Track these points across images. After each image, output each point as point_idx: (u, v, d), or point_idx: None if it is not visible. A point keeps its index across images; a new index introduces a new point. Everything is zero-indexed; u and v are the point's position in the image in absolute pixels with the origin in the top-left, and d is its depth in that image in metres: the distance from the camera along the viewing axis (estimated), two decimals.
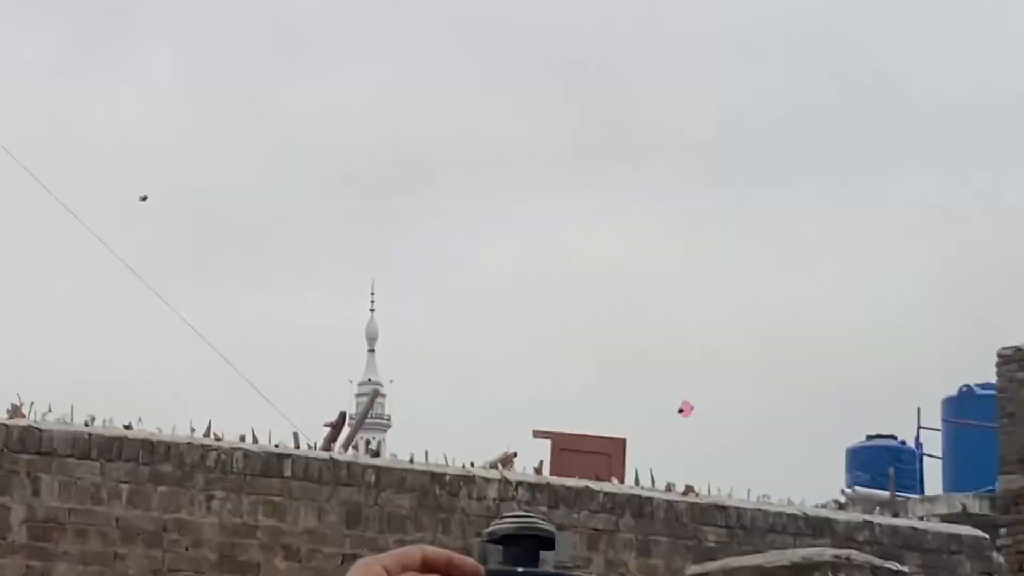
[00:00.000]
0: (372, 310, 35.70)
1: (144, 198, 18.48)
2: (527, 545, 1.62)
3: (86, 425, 6.76)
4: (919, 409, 16.52)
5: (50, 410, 6.59)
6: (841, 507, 9.70)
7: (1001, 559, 8.68)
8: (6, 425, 6.50)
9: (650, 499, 7.16)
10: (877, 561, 5.20)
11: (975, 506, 13.37)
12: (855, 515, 8.05)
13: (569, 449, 7.74)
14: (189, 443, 6.68)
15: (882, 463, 15.33)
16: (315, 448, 7.04)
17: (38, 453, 6.52)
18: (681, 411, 16.20)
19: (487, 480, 6.93)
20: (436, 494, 6.83)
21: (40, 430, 6.66)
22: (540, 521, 1.85)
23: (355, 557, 6.70)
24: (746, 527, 7.19)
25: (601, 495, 7.05)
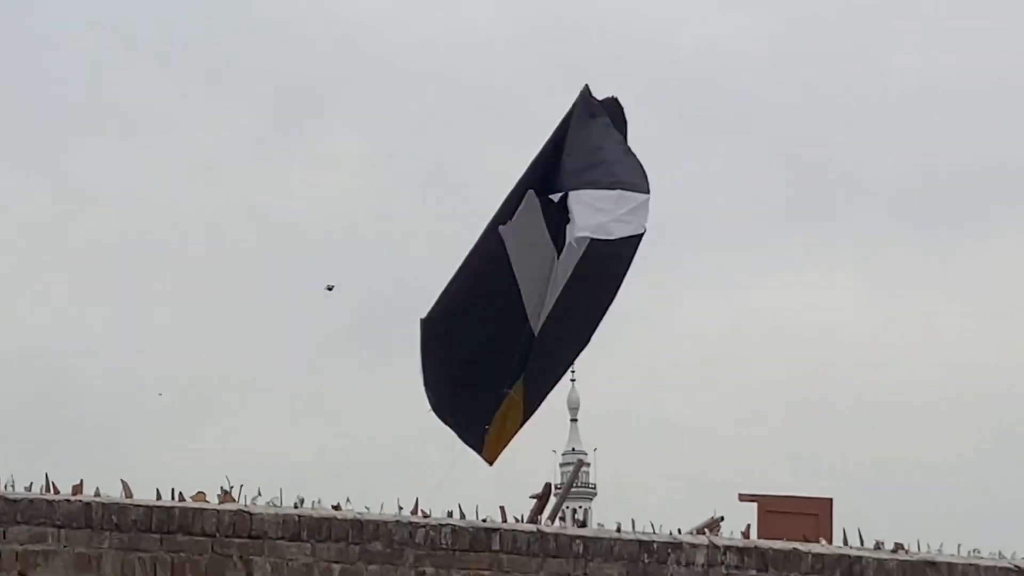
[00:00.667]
0: (573, 379, 34.19)
1: (331, 288, 18.76)
2: None
3: (295, 507, 6.76)
4: None
5: (260, 494, 6.61)
6: None
7: None
8: (217, 510, 6.51)
9: (859, 558, 6.95)
10: None
11: None
12: None
13: (775, 511, 7.58)
14: (397, 521, 6.65)
15: None
16: (522, 520, 6.96)
17: (250, 537, 6.52)
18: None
19: (694, 546, 6.78)
20: (645, 562, 6.70)
21: (251, 514, 6.67)
22: None
23: None
24: None
25: (810, 556, 6.85)
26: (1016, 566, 7.15)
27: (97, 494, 6.49)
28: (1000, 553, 7.23)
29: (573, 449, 24.68)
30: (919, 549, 7.07)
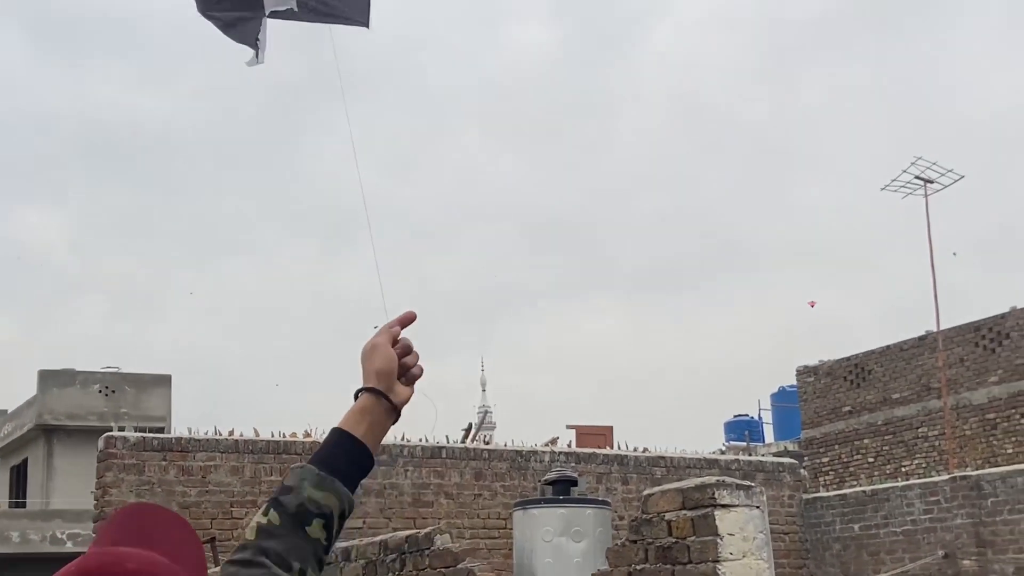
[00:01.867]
0: (483, 369, 41.00)
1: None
2: (563, 484, 9.04)
3: None
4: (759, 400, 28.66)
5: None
6: (723, 453, 16.47)
7: (804, 472, 15.55)
8: (304, 442, 12.70)
9: (624, 456, 13.76)
10: (740, 481, 6.58)
11: (791, 447, 23.80)
12: (730, 457, 14.79)
13: (584, 433, 14.48)
14: (394, 443, 13.30)
15: (741, 429, 26.02)
16: (458, 442, 13.42)
17: None
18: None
19: (544, 452, 13.45)
20: (519, 461, 13.28)
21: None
22: (569, 472, 9.85)
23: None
24: (674, 467, 13.78)
25: (600, 455, 13.62)
26: (702, 457, 13.99)
27: (240, 434, 12.56)
28: (696, 451, 14.13)
29: (484, 405, 32.90)
30: (655, 450, 13.87)
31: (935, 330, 19.49)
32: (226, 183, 70.43)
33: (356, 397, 1.53)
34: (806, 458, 21.48)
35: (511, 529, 9.94)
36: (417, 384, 1.57)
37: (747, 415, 28.88)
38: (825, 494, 15.71)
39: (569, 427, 14.87)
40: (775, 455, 19.78)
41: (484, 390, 40.32)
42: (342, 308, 63.83)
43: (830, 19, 68.19)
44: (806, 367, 22.75)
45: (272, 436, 12.61)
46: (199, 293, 68.69)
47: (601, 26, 73.56)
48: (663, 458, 13.91)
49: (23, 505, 26.43)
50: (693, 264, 74.31)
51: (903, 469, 20.46)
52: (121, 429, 13.00)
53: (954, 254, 19.38)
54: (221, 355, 62.06)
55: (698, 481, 6.44)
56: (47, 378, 25.95)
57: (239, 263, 70.16)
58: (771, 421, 28.62)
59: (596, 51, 75.32)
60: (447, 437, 13.31)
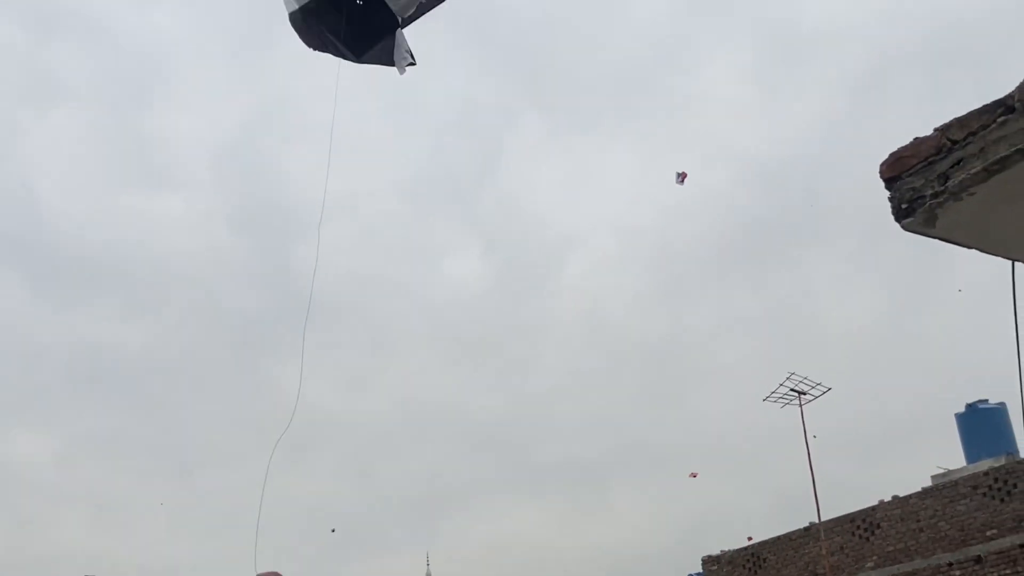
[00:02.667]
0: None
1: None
2: None
3: None
4: None
5: None
6: None
7: None
8: None
9: None
10: None
11: None
12: None
13: None
14: None
15: None
16: None
17: None
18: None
19: None
20: None
21: None
22: None
23: None
24: None
25: None
26: None
27: None
28: None
29: None
30: None
31: (817, 521, 22.50)
32: (199, 403, 73.91)
33: None
34: None
35: None
36: None
37: None
38: None
39: None
40: None
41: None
42: (304, 515, 65.13)
43: (718, 252, 75.28)
44: (710, 556, 25.57)
45: None
46: (173, 504, 69.88)
47: (525, 260, 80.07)
48: None
49: None
50: (608, 462, 77.67)
51: None
52: None
53: (814, 436, 22.48)
54: (195, 562, 62.72)
55: None
56: None
57: (213, 475, 71.79)
58: None
59: (522, 280, 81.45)
60: None
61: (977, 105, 4.26)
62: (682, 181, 26.43)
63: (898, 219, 4.32)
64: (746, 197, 74.34)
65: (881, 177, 4.40)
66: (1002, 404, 23.44)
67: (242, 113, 76.97)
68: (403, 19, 9.22)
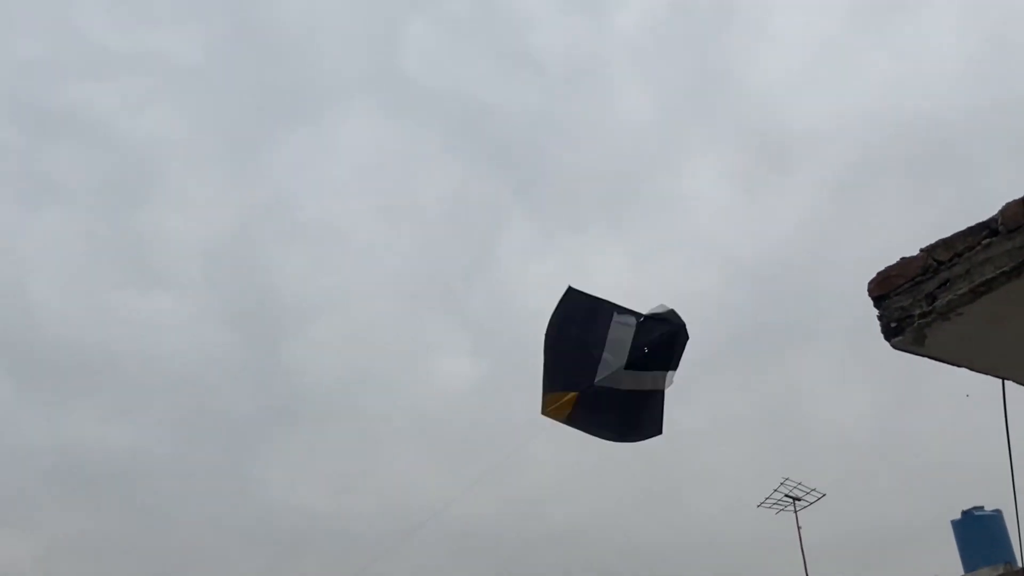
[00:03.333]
0: None
1: None
2: None
3: None
4: None
5: None
6: None
7: None
8: None
9: None
10: None
11: None
12: None
13: None
14: None
15: None
16: None
17: None
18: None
19: None
20: None
21: None
22: None
23: None
24: None
25: None
26: None
27: None
28: None
29: None
30: None
31: None
32: (184, 505, 73.04)
33: None
34: None
35: None
36: None
37: None
38: None
39: None
40: None
41: None
42: None
43: (710, 352, 75.25)
44: None
45: None
46: None
47: (515, 358, 79.90)
48: None
49: None
50: (601, 565, 76.26)
51: None
52: None
53: (799, 528, 22.06)
54: None
55: None
56: None
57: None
58: None
59: (512, 377, 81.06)
60: None
61: (960, 212, 4.32)
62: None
63: (887, 338, 4.33)
64: (735, 297, 74.74)
65: (869, 295, 4.42)
66: (998, 511, 23.19)
67: (235, 213, 77.59)
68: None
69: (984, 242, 4.00)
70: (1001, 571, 20.42)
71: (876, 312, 4.39)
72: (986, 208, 4.11)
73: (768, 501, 22.37)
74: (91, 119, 76.64)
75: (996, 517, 23.32)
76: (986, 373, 4.73)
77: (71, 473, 71.26)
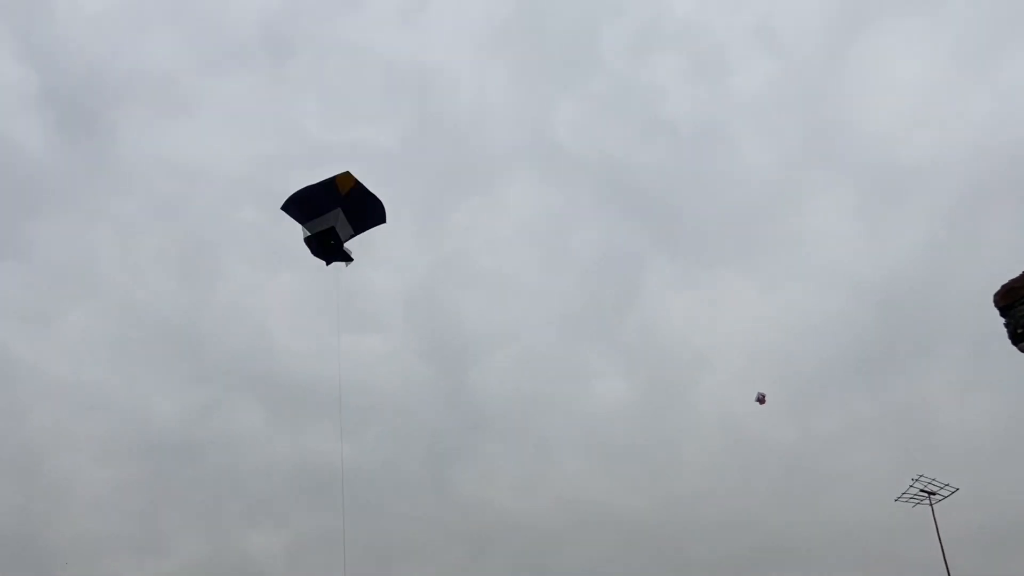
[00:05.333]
0: None
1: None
2: None
3: None
4: None
5: None
6: None
7: None
8: None
9: None
10: None
11: None
12: None
13: None
14: None
15: None
16: None
17: None
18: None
19: None
20: None
21: None
22: None
23: None
24: None
25: None
26: None
27: None
28: None
29: None
30: None
31: None
32: (395, 505, 76.40)
33: None
34: None
35: None
36: None
37: None
38: None
39: None
40: None
41: None
42: None
43: (839, 366, 72.08)
44: None
45: None
46: None
47: (664, 379, 79.19)
48: None
49: None
50: (751, 557, 73.95)
51: None
52: None
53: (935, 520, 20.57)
54: None
55: None
56: None
57: (407, 568, 73.55)
58: None
59: (662, 396, 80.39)
60: None
61: None
62: (762, 401, 25.51)
63: (1015, 343, 4.29)
64: (862, 317, 71.52)
65: (995, 305, 4.39)
66: None
67: (425, 267, 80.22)
68: (345, 242, 15.89)
69: None
70: None
71: (1002, 321, 4.34)
72: None
73: (904, 496, 21.23)
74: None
75: None
76: None
77: (309, 479, 75.25)
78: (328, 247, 16.20)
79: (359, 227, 16.02)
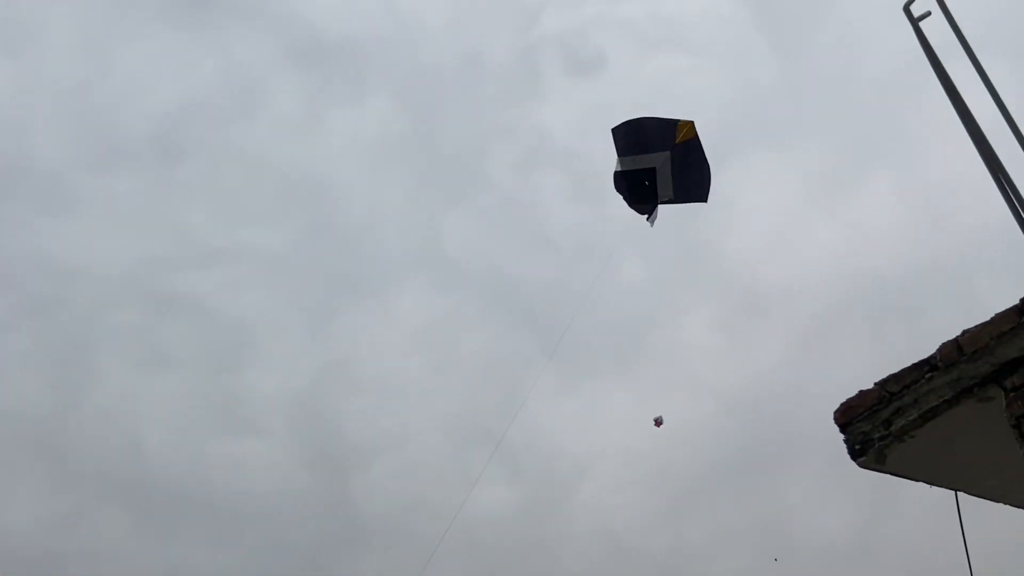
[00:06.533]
0: None
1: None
2: None
3: None
4: None
5: None
6: None
7: None
8: None
9: None
10: None
11: None
12: None
13: None
14: None
15: None
16: None
17: None
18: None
19: None
20: None
21: None
22: None
23: None
24: None
25: None
26: None
27: None
28: None
29: None
30: None
31: None
32: None
33: None
34: None
35: None
36: None
37: None
38: None
39: None
40: None
41: None
42: None
43: (708, 472, 73.45)
44: None
45: None
46: None
47: (546, 486, 78.62)
48: None
49: None
50: None
51: None
52: None
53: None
54: None
55: None
56: None
57: None
58: None
59: (543, 503, 79.43)
60: None
61: (909, 350, 4.27)
62: (659, 424, 25.94)
63: (853, 458, 4.24)
64: (728, 425, 73.62)
65: (835, 423, 4.35)
66: None
67: (310, 372, 78.34)
68: (661, 202, 13.35)
69: (927, 376, 3.96)
70: None
71: (842, 437, 4.31)
72: (928, 347, 4.08)
73: None
74: (196, 301, 78.62)
75: None
76: (941, 486, 4.57)
77: None
78: (641, 190, 13.39)
79: (678, 191, 13.42)
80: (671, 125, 12.90)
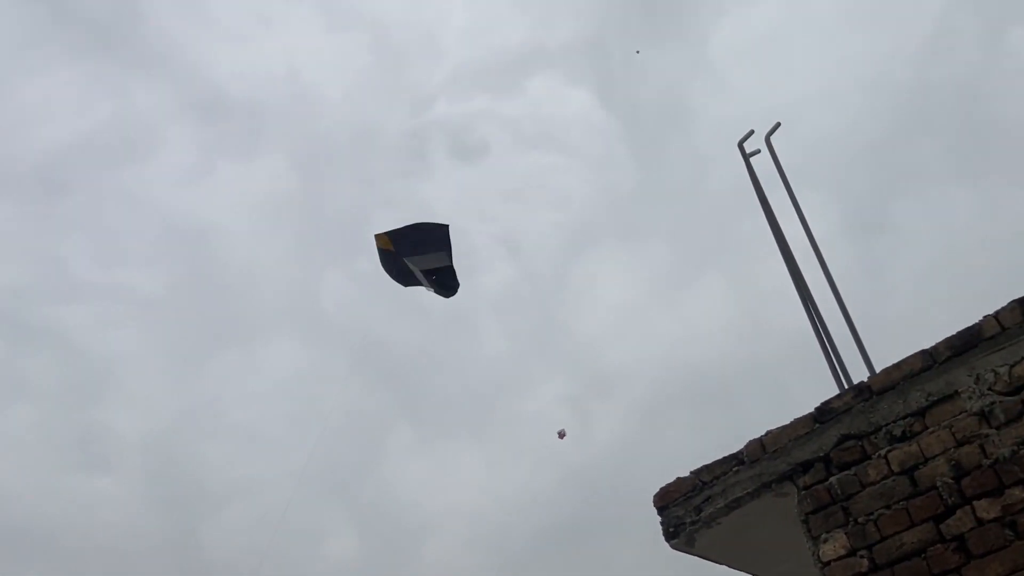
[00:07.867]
0: None
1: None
2: None
3: None
4: None
5: None
6: None
7: None
8: None
9: None
10: None
11: None
12: None
13: None
14: None
15: None
16: None
17: None
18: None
19: None
20: None
21: None
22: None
23: None
24: None
25: None
26: None
27: None
28: None
29: None
30: None
31: None
32: None
33: None
34: None
35: None
36: None
37: None
38: None
39: None
40: None
41: None
42: None
43: (544, 538, 73.57)
44: None
45: None
46: None
47: (394, 542, 76.23)
48: None
49: None
50: None
51: None
52: None
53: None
54: None
55: None
56: None
57: None
58: None
59: (390, 560, 76.76)
60: None
61: (731, 437, 4.47)
62: (562, 437, 25.68)
63: (667, 539, 4.36)
64: (567, 494, 74.30)
65: (654, 506, 4.48)
66: None
67: (171, 414, 73.80)
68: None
69: (734, 469, 4.15)
70: None
71: (659, 519, 4.44)
72: (747, 437, 4.30)
73: None
74: (63, 335, 73.00)
75: None
76: (743, 570, 4.76)
77: None
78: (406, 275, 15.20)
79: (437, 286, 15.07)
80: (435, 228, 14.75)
